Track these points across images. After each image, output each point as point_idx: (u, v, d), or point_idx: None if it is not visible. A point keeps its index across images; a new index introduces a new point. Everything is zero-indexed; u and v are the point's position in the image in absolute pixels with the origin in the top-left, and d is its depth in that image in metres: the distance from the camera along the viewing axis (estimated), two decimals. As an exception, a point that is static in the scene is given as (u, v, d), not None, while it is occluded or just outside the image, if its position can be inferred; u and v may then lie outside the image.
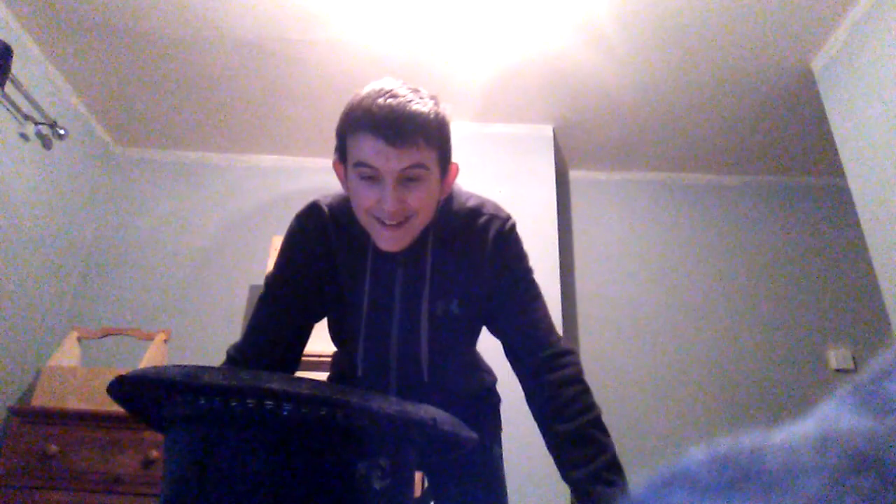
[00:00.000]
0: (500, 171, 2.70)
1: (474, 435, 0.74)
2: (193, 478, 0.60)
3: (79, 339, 2.36)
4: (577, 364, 0.99)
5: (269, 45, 2.32)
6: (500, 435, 1.18)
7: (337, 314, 1.05)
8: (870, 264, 2.09)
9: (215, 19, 2.20)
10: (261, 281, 2.65)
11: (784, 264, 2.93)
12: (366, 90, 0.84)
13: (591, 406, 0.96)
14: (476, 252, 0.98)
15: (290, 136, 2.90)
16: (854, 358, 2.71)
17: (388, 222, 0.85)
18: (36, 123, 2.36)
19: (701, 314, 2.81)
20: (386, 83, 0.84)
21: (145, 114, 2.77)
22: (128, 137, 2.96)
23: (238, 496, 0.57)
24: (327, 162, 3.01)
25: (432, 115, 0.84)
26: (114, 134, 2.93)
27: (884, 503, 0.16)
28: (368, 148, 0.81)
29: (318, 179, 3.01)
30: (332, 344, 1.14)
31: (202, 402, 0.60)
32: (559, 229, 2.64)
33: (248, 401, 0.58)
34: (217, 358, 2.75)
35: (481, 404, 1.15)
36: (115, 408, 2.08)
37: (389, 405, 0.62)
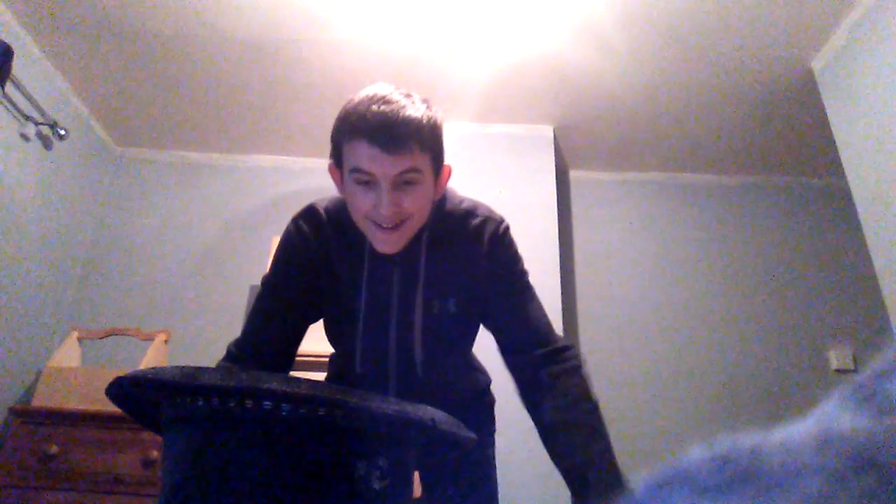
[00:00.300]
0: (501, 172, 2.70)
1: (473, 435, 0.74)
2: (192, 479, 0.60)
3: (79, 340, 2.36)
4: (578, 358, 0.99)
5: (270, 44, 2.32)
6: (493, 436, 1.19)
7: (334, 315, 1.06)
8: (870, 264, 2.09)
9: (216, 19, 2.20)
10: (261, 281, 2.66)
11: (784, 264, 2.93)
12: (359, 96, 0.86)
13: (589, 396, 0.96)
14: (471, 253, 0.99)
15: (290, 136, 2.90)
16: (855, 358, 2.71)
17: (384, 225, 0.87)
18: (36, 124, 2.36)
19: (701, 314, 2.81)
20: (379, 89, 0.85)
21: (145, 114, 2.77)
22: (128, 137, 2.96)
23: (237, 497, 0.57)
24: (328, 163, 3.01)
25: (425, 121, 0.85)
26: (114, 134, 2.94)
27: (883, 502, 0.16)
28: (364, 155, 0.83)
29: (319, 180, 3.01)
30: (329, 345, 1.14)
31: (200, 402, 0.59)
32: (559, 229, 2.64)
33: (247, 401, 0.58)
34: (217, 358, 2.76)
35: (476, 405, 1.16)
36: (116, 408, 2.08)
37: (388, 405, 0.62)
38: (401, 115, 0.82)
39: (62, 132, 2.46)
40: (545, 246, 2.57)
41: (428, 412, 0.66)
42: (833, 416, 0.21)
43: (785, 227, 3.01)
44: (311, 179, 3.01)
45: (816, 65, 2.32)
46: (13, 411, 2.07)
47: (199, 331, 2.66)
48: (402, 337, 1.00)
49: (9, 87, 2.17)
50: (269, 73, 2.47)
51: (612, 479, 0.85)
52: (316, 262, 0.99)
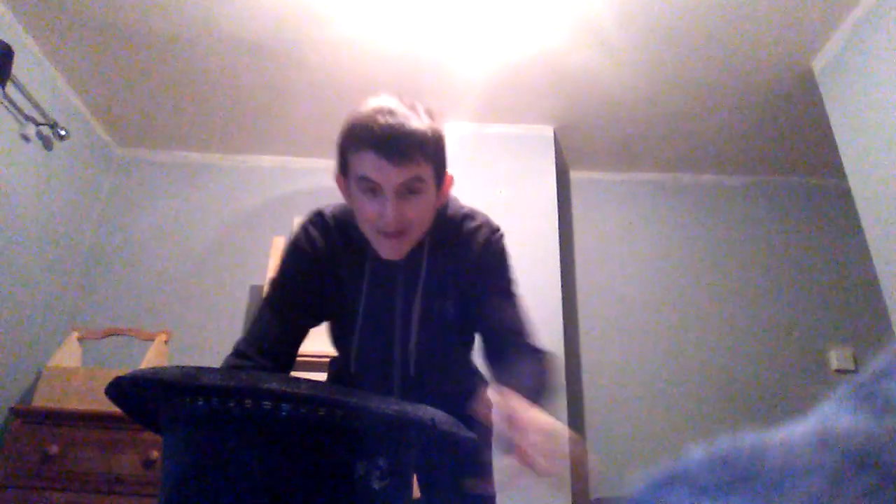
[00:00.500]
0: (501, 172, 2.70)
1: (472, 435, 0.74)
2: (192, 479, 0.60)
3: (79, 340, 2.36)
4: (551, 362, 0.99)
5: (270, 45, 2.32)
6: (490, 439, 1.19)
7: (336, 318, 1.08)
8: (871, 264, 2.09)
9: (216, 20, 2.20)
10: (261, 281, 2.66)
11: (785, 264, 2.93)
12: (365, 108, 0.88)
13: (548, 370, 0.96)
14: (466, 255, 1.02)
15: (290, 136, 2.90)
16: (855, 358, 2.71)
17: (388, 232, 0.90)
18: (37, 124, 2.36)
19: (701, 314, 2.81)
20: (384, 101, 0.88)
21: (145, 114, 2.77)
22: (128, 137, 2.96)
23: (237, 496, 0.57)
24: (328, 162, 3.02)
25: (429, 133, 0.88)
26: (114, 134, 2.94)
27: (883, 502, 0.16)
28: (370, 164, 0.86)
29: (319, 180, 3.01)
30: (328, 345, 1.15)
31: (200, 402, 0.59)
32: (559, 229, 2.64)
33: (246, 401, 0.58)
34: (218, 358, 2.75)
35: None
36: (116, 408, 2.08)
37: (388, 405, 0.62)
38: (405, 126, 0.85)
39: (62, 132, 2.46)
40: (545, 246, 2.57)
41: (428, 412, 0.66)
42: (833, 416, 0.21)
43: (785, 227, 3.01)
44: (311, 179, 3.01)
45: (816, 65, 2.32)
46: (13, 411, 2.07)
47: (199, 331, 2.66)
48: (402, 340, 1.02)
49: (9, 87, 2.17)
50: (269, 73, 2.47)
51: (540, 391, 0.86)
52: (322, 265, 1.01)
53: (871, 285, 2.57)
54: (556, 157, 2.79)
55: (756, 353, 2.72)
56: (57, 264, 2.59)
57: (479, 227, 1.04)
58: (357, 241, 0.99)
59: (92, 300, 2.72)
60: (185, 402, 0.61)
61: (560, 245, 2.60)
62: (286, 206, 2.93)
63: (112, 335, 2.40)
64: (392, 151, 0.84)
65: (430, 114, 0.91)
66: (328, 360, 1.19)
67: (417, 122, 0.86)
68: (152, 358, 2.24)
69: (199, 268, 2.81)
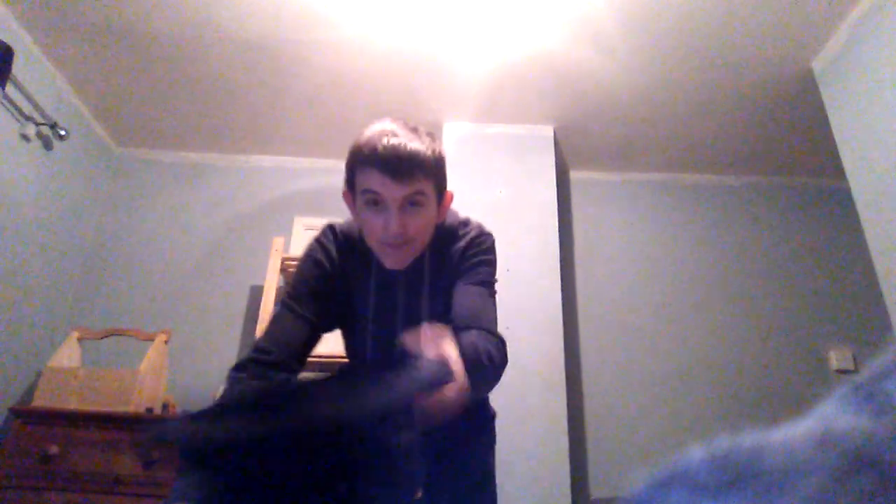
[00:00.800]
0: (501, 172, 2.70)
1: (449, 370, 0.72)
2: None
3: (79, 340, 2.36)
4: (502, 348, 0.98)
5: (270, 45, 2.32)
6: (493, 448, 1.21)
7: (350, 326, 1.14)
8: (870, 264, 2.09)
9: (216, 20, 2.20)
10: (261, 281, 2.66)
11: (785, 264, 2.93)
12: (370, 130, 0.97)
13: (491, 348, 0.94)
14: (455, 255, 1.10)
15: (290, 136, 2.90)
16: (855, 358, 2.71)
17: (392, 243, 0.98)
18: (37, 124, 2.37)
19: (701, 314, 2.81)
20: (387, 124, 0.97)
21: (145, 114, 2.77)
22: (128, 138, 2.96)
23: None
24: (328, 163, 3.02)
25: (429, 152, 0.96)
26: (114, 134, 2.94)
27: (883, 502, 0.16)
28: (375, 181, 0.94)
29: (319, 180, 3.01)
30: (330, 346, 1.17)
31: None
32: (560, 229, 2.64)
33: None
34: (218, 358, 2.76)
35: (476, 416, 1.19)
36: (116, 409, 2.09)
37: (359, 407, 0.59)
38: (407, 147, 0.93)
39: (62, 132, 2.46)
40: (545, 246, 2.57)
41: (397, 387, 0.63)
42: (833, 416, 0.21)
43: (785, 227, 3.01)
44: (311, 179, 3.01)
45: (816, 65, 2.32)
46: (13, 411, 2.07)
47: (199, 331, 2.66)
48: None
49: (9, 87, 2.17)
50: (269, 73, 2.47)
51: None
52: (334, 275, 1.10)
53: (871, 285, 2.57)
54: (556, 157, 2.79)
55: (756, 353, 2.72)
56: (57, 264, 2.59)
57: (469, 231, 1.12)
58: (363, 254, 1.08)
59: (92, 300, 2.72)
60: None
61: (560, 245, 2.60)
62: (286, 206, 2.93)
63: (112, 335, 2.40)
64: (395, 169, 0.92)
65: (430, 136, 1.00)
66: (333, 360, 1.22)
67: (418, 143, 0.95)
68: (152, 358, 2.24)
69: (199, 268, 2.81)
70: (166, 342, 2.36)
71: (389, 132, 0.95)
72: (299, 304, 1.06)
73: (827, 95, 2.27)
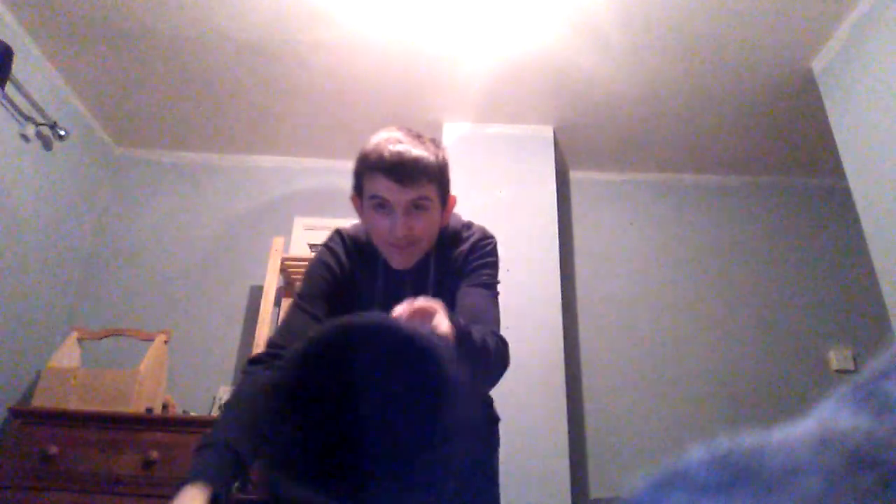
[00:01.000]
0: (501, 172, 2.70)
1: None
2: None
3: (79, 340, 2.36)
4: (503, 353, 1.00)
5: (270, 45, 2.32)
6: (497, 452, 1.22)
7: None
8: (870, 264, 2.09)
9: (216, 20, 2.20)
10: (260, 281, 2.66)
11: (784, 264, 2.93)
12: (377, 138, 1.03)
13: (493, 343, 0.96)
14: (459, 257, 1.15)
15: (290, 136, 2.90)
16: (855, 358, 2.71)
17: (398, 244, 1.04)
18: (36, 124, 2.37)
19: (701, 314, 2.81)
20: (393, 132, 1.03)
21: (145, 114, 2.77)
22: (128, 138, 2.96)
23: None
24: (328, 163, 3.02)
25: (433, 158, 1.02)
26: (114, 134, 2.94)
27: (883, 502, 0.16)
28: (382, 186, 1.00)
29: (319, 180, 3.01)
30: None
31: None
32: (559, 229, 2.64)
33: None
34: (218, 358, 2.76)
35: (480, 415, 1.20)
36: (115, 408, 2.09)
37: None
38: (412, 153, 0.99)
39: (62, 132, 2.46)
40: (545, 246, 2.57)
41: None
42: (833, 416, 0.21)
43: (785, 227, 3.01)
44: (311, 179, 3.01)
45: (816, 65, 2.32)
46: (13, 411, 2.07)
47: (199, 331, 2.66)
48: None
49: (9, 87, 2.17)
50: (268, 73, 2.47)
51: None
52: (343, 276, 1.16)
53: (871, 285, 2.57)
54: (556, 157, 2.79)
55: (756, 353, 2.72)
56: (57, 264, 2.59)
57: (472, 234, 1.17)
58: (370, 256, 1.14)
59: (92, 300, 2.72)
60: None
61: (560, 245, 2.60)
62: (286, 206, 2.93)
63: (112, 335, 2.40)
64: (400, 174, 0.98)
65: (434, 143, 1.06)
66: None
67: (422, 150, 1.01)
68: (152, 358, 2.24)
69: (199, 268, 2.81)
70: (166, 342, 2.36)
71: (395, 139, 1.01)
72: (310, 304, 1.12)
73: (827, 95, 2.27)
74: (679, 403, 2.62)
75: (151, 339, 2.34)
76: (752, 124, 2.72)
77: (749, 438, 0.19)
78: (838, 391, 0.23)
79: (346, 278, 1.16)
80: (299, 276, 2.64)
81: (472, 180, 2.62)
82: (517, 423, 2.21)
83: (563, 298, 2.49)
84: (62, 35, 2.30)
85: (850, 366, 2.70)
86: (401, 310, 0.72)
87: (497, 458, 1.22)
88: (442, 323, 0.74)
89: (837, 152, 2.22)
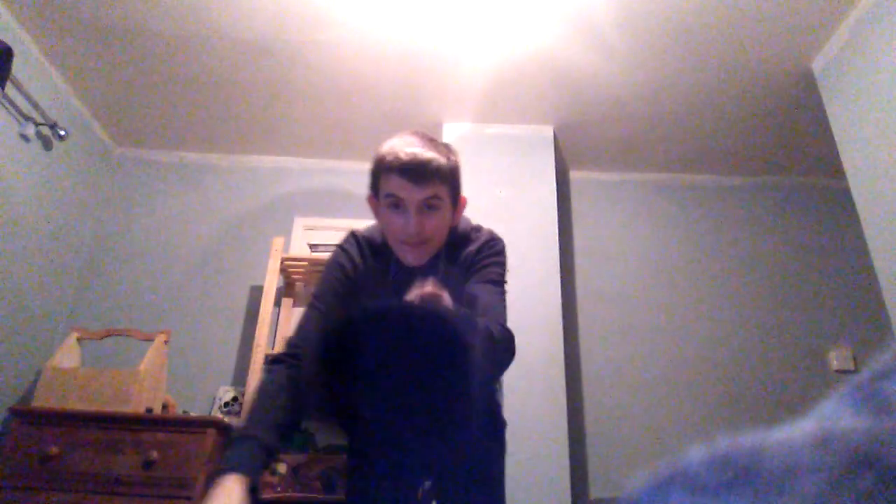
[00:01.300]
0: (501, 172, 2.70)
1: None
2: None
3: (79, 340, 2.36)
4: (509, 337, 1.04)
5: (270, 45, 2.32)
6: (503, 457, 1.24)
7: None
8: (870, 264, 2.09)
9: (216, 20, 2.20)
10: (261, 281, 2.66)
11: (785, 264, 2.93)
12: (392, 141, 1.10)
13: (498, 334, 1.02)
14: (468, 257, 1.20)
15: (290, 136, 2.90)
16: (855, 358, 2.71)
17: (411, 241, 1.09)
18: (36, 124, 2.36)
19: (701, 314, 2.81)
20: (408, 136, 1.10)
21: (145, 114, 2.77)
22: (128, 138, 2.96)
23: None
24: (328, 163, 3.02)
25: (444, 160, 1.09)
26: (114, 134, 2.94)
27: (883, 502, 0.16)
28: (396, 185, 1.07)
29: (319, 180, 3.01)
30: None
31: None
32: (559, 229, 2.64)
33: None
34: (218, 358, 2.76)
35: (487, 422, 1.22)
36: (116, 408, 2.09)
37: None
38: (426, 155, 1.06)
39: (62, 132, 2.46)
40: (545, 246, 2.57)
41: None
42: (833, 416, 0.21)
43: (785, 227, 3.01)
44: (311, 179, 3.01)
45: (816, 65, 2.32)
46: (13, 411, 2.07)
47: (199, 331, 2.66)
48: None
49: (9, 87, 2.17)
50: (268, 73, 2.47)
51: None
52: (355, 277, 1.21)
53: (871, 285, 2.57)
54: (556, 157, 2.79)
55: (756, 353, 2.72)
56: (57, 264, 2.59)
57: (481, 236, 1.23)
58: (384, 255, 1.20)
59: (92, 300, 2.72)
60: None
61: (560, 245, 2.60)
62: (286, 206, 2.93)
63: (112, 335, 2.40)
64: (414, 174, 1.05)
65: (447, 147, 1.12)
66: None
67: (435, 153, 1.07)
68: (152, 358, 2.24)
69: (199, 268, 2.81)
70: (166, 342, 2.36)
71: (408, 142, 1.08)
72: (325, 304, 1.17)
73: (827, 95, 2.27)
74: (679, 403, 2.62)
75: (151, 339, 2.34)
76: (752, 124, 2.72)
77: (749, 438, 0.19)
78: (838, 391, 0.23)
79: (359, 278, 1.21)
80: (299, 276, 2.65)
81: (472, 180, 2.61)
82: (517, 423, 2.21)
83: (563, 298, 2.49)
84: (62, 35, 2.30)
85: (850, 366, 2.70)
86: (412, 296, 0.80)
87: (503, 462, 1.23)
88: (448, 304, 0.81)
89: (837, 152, 2.22)
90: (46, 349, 2.49)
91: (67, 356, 2.27)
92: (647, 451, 2.49)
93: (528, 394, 2.23)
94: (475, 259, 1.18)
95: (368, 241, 1.25)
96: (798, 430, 0.19)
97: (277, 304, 2.59)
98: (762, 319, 2.80)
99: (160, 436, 2.01)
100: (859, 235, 2.15)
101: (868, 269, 2.59)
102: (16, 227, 2.32)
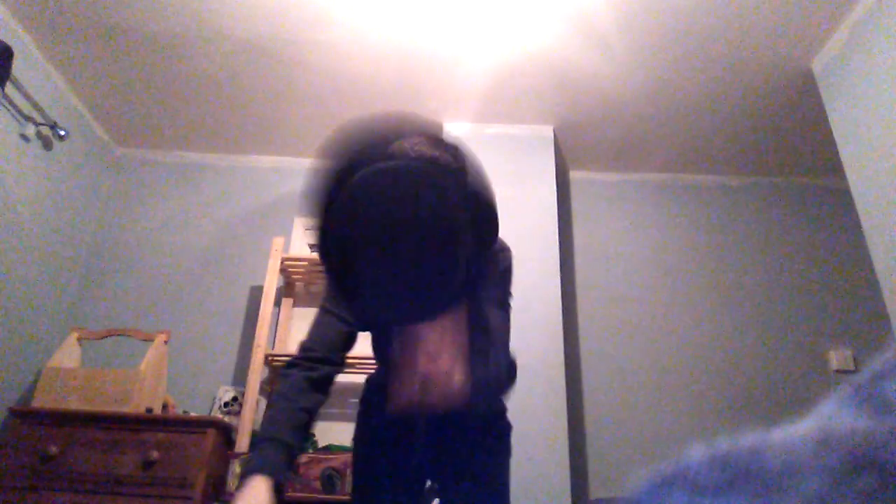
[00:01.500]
0: (501, 172, 2.69)
1: None
2: None
3: (79, 340, 2.36)
4: (511, 370, 1.14)
5: (270, 45, 2.32)
6: (509, 460, 1.26)
7: (380, 330, 1.22)
8: (870, 264, 2.09)
9: (216, 20, 2.20)
10: (261, 281, 2.66)
11: (784, 265, 2.93)
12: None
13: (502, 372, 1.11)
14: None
15: (290, 137, 2.90)
16: (855, 358, 2.71)
17: None
18: (36, 124, 2.37)
19: (701, 314, 2.81)
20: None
21: (145, 114, 2.77)
22: (128, 138, 2.96)
23: None
24: (327, 162, 3.01)
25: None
26: (114, 134, 2.94)
27: (883, 502, 0.16)
28: None
29: (319, 180, 3.00)
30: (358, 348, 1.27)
31: None
32: (559, 229, 2.64)
33: None
34: (218, 358, 2.75)
35: (493, 426, 1.26)
36: (116, 409, 2.09)
37: None
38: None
39: (62, 132, 2.46)
40: (545, 246, 2.57)
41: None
42: (832, 417, 0.21)
43: (785, 227, 3.01)
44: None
45: (816, 65, 2.32)
46: (13, 411, 2.08)
47: (199, 331, 2.66)
48: None
49: (9, 88, 2.17)
50: (268, 73, 2.47)
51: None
52: None
53: (871, 285, 2.57)
54: (556, 157, 2.79)
55: (756, 354, 2.72)
56: (57, 264, 2.59)
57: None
58: None
59: (92, 300, 2.72)
60: None
61: (560, 245, 2.60)
62: (286, 206, 2.93)
63: (112, 335, 2.40)
64: None
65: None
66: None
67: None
68: (152, 358, 2.24)
69: (199, 268, 2.81)
70: (166, 342, 2.36)
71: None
72: (335, 305, 1.18)
73: (827, 95, 2.27)
74: (679, 403, 2.62)
75: (151, 339, 2.34)
76: (753, 124, 2.72)
77: (749, 439, 0.19)
78: (838, 392, 0.23)
79: None
80: (299, 277, 2.64)
81: (472, 180, 2.62)
82: (517, 423, 2.21)
83: (563, 298, 2.49)
84: (62, 35, 2.30)
85: (850, 366, 2.70)
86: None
87: (509, 466, 1.24)
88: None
89: (837, 152, 2.22)
90: (46, 349, 2.49)
91: (67, 356, 2.27)
92: (647, 451, 2.49)
93: (528, 394, 2.23)
94: (485, 272, 1.16)
95: None
96: (798, 430, 0.19)
97: (277, 304, 2.59)
98: (762, 319, 2.80)
99: (160, 436, 2.01)
100: (859, 235, 2.15)
101: (868, 269, 2.59)
102: (16, 228, 2.32)
